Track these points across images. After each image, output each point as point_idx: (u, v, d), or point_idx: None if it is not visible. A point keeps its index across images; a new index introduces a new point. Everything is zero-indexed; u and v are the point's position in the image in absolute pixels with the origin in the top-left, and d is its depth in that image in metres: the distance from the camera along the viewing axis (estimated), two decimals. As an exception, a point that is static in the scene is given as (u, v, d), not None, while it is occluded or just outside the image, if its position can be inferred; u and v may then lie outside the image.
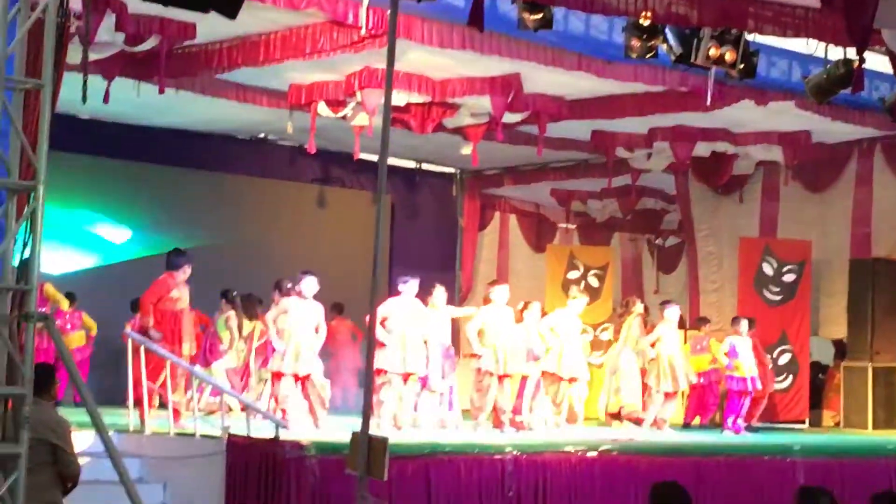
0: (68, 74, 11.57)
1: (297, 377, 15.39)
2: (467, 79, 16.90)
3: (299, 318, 15.53)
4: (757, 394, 19.14)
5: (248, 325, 18.32)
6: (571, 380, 17.62)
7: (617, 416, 19.10)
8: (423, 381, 16.70)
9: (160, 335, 14.82)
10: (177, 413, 14.20)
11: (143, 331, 14.96)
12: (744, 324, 18.99)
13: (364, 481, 9.02)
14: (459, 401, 17.44)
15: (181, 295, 15.22)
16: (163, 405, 14.56)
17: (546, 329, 17.65)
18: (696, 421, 20.49)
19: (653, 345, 18.37)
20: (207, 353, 17.80)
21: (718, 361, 19.56)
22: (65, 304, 17.99)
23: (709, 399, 20.35)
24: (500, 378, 16.78)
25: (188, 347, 15.25)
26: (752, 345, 18.98)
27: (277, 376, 15.48)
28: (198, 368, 16.19)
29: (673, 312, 18.60)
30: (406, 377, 15.99)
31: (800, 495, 7.59)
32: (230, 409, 15.50)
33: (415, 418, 16.56)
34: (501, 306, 17.11)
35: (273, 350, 15.67)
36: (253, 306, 18.50)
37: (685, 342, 20.24)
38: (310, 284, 15.66)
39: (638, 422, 18.56)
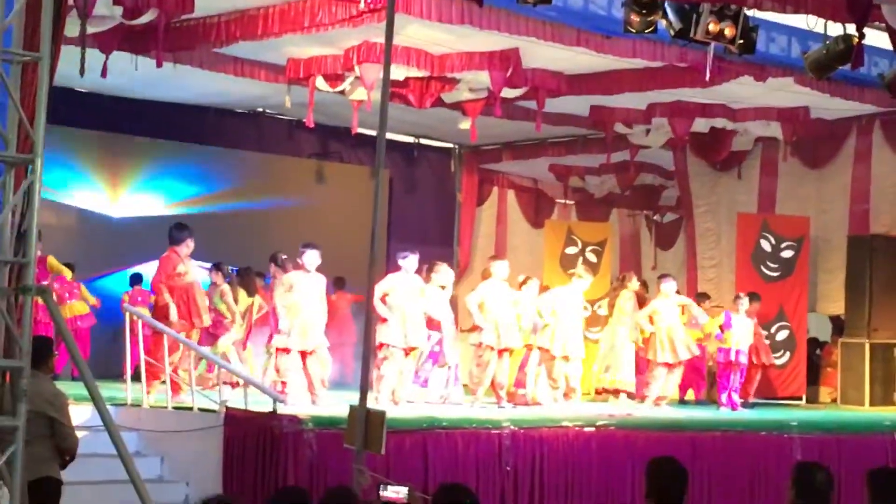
0: (65, 48, 11.59)
1: (302, 353, 15.40)
2: (466, 53, 16.86)
3: (305, 293, 15.52)
4: (751, 368, 19.23)
5: (245, 300, 18.27)
6: (565, 357, 17.62)
7: (606, 391, 19.14)
8: (435, 357, 16.78)
9: (176, 319, 14.83)
10: (175, 387, 14.20)
11: (163, 312, 14.89)
12: (743, 302, 19.02)
13: (361, 455, 9.05)
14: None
15: (187, 269, 15.23)
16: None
17: (545, 305, 17.67)
18: (690, 395, 20.51)
19: (651, 319, 18.42)
20: (210, 327, 17.79)
21: (711, 336, 19.58)
22: (68, 274, 17.96)
23: (698, 373, 20.39)
24: (500, 352, 16.81)
25: (205, 319, 15.26)
26: (750, 323, 19.04)
27: (285, 351, 15.46)
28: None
29: (669, 286, 18.65)
30: (408, 351, 16.00)
31: (796, 471, 7.59)
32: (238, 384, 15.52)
33: (422, 393, 16.65)
34: (501, 281, 17.14)
35: (277, 326, 15.62)
36: (252, 281, 18.47)
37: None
38: (312, 257, 15.63)
39: (631, 395, 18.62)
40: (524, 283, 17.74)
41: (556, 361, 17.55)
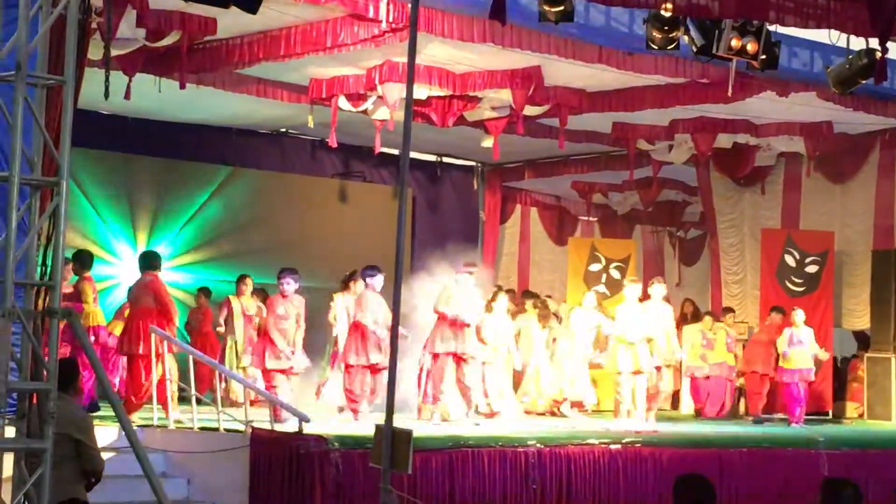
0: (89, 70, 11.64)
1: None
2: (488, 72, 16.89)
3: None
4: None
5: None
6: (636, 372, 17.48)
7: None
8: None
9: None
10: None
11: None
12: (799, 314, 19.19)
13: (388, 474, 9.03)
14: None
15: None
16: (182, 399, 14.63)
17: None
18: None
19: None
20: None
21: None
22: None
23: (723, 390, 20.42)
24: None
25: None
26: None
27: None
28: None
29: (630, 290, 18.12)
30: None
31: (824, 487, 7.57)
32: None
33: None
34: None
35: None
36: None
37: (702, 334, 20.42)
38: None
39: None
40: (493, 298, 17.74)
41: (622, 377, 17.41)
